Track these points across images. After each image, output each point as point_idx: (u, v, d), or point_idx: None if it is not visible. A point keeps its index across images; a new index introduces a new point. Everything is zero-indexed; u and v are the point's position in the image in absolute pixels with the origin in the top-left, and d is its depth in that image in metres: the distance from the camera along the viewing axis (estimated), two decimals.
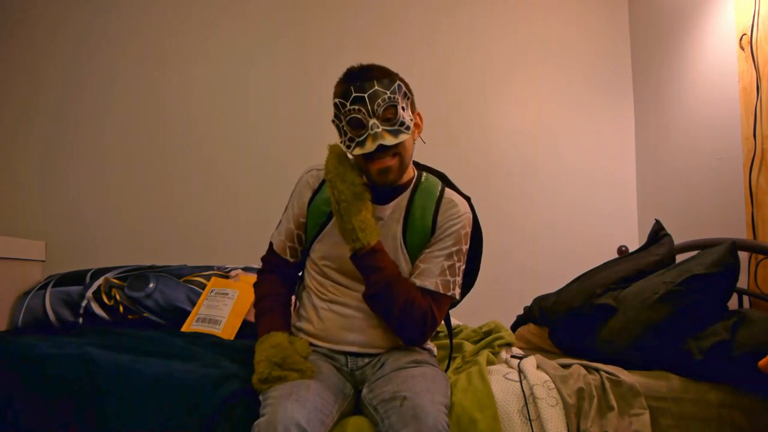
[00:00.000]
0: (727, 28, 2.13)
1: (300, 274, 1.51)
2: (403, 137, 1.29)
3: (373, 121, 1.26)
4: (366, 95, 1.27)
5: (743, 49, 2.02)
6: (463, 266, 1.40)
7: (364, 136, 1.27)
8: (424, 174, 1.47)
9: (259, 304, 1.43)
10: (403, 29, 2.83)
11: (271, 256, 1.48)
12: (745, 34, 2.01)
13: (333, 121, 1.34)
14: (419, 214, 1.38)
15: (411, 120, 1.33)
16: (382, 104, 1.27)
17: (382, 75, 1.30)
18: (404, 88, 1.32)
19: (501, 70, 2.86)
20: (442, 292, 1.35)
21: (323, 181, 1.42)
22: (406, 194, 1.40)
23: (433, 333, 1.42)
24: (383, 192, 1.38)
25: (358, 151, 1.28)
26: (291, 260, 1.46)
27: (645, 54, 2.77)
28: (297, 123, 2.70)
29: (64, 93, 2.64)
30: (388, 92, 1.28)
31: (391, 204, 1.39)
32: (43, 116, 2.62)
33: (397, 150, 1.30)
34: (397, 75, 1.35)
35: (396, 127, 1.29)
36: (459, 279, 1.39)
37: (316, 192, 1.43)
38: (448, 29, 2.85)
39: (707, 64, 2.27)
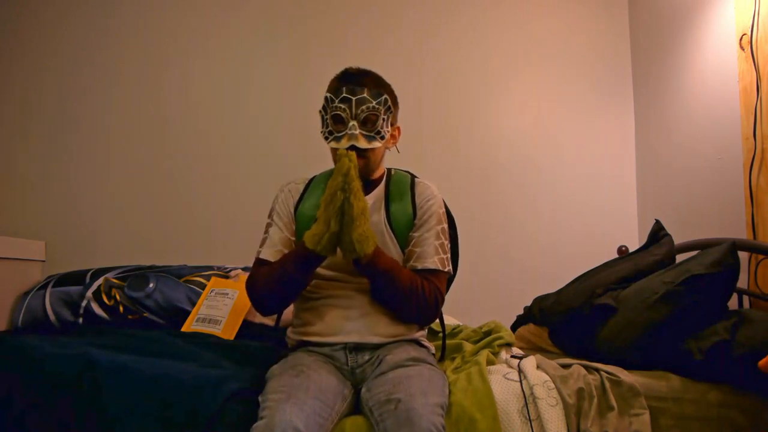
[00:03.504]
0: (727, 28, 2.13)
1: None
2: (375, 144, 1.40)
3: (352, 123, 1.38)
4: (354, 98, 1.38)
5: (743, 49, 2.02)
6: (448, 244, 1.50)
7: (342, 133, 1.39)
8: (393, 169, 1.59)
9: (271, 272, 1.39)
10: (404, 29, 2.83)
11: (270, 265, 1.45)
12: (745, 34, 2.01)
13: (320, 111, 1.44)
14: (398, 199, 1.49)
15: (388, 131, 1.43)
16: (365, 110, 1.39)
17: (374, 85, 1.42)
18: (389, 102, 1.43)
19: (501, 70, 2.86)
20: (440, 268, 1.43)
21: (303, 192, 1.52)
22: (381, 186, 1.52)
23: (441, 308, 1.48)
24: (362, 184, 1.44)
25: (333, 144, 1.40)
26: None
27: (645, 54, 2.77)
28: (298, 123, 2.70)
29: (65, 93, 2.64)
30: (374, 102, 1.39)
31: (370, 195, 1.48)
32: (44, 116, 2.62)
33: (366, 154, 1.41)
34: (388, 88, 1.46)
35: (372, 134, 1.40)
36: (449, 255, 1.49)
37: (298, 202, 1.51)
38: (448, 29, 2.85)
39: (707, 64, 2.27)
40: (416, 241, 1.45)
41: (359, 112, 1.38)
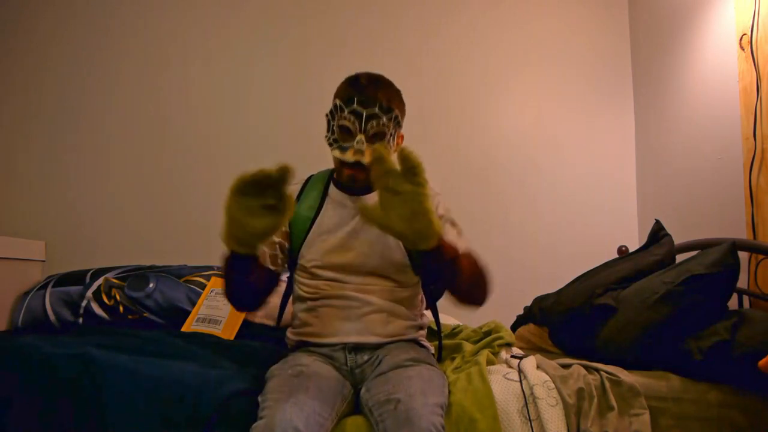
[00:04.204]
0: (727, 28, 2.13)
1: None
2: None
3: (360, 137, 1.35)
4: (364, 113, 1.34)
5: (743, 49, 2.02)
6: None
7: (348, 145, 1.36)
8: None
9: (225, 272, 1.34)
10: (404, 29, 2.83)
11: None
12: (745, 34, 2.01)
13: (326, 115, 1.40)
14: None
15: (393, 145, 1.41)
16: (374, 126, 1.35)
17: (386, 100, 1.37)
18: (399, 117, 1.40)
19: (501, 70, 2.86)
20: (470, 251, 1.37)
21: (300, 193, 1.50)
22: None
23: None
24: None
25: (337, 154, 1.38)
26: (272, 268, 1.45)
27: (645, 54, 2.77)
28: (298, 123, 2.70)
29: (65, 93, 2.64)
30: (384, 119, 1.35)
31: (372, 194, 1.46)
32: (44, 116, 2.62)
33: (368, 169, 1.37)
34: (398, 99, 1.42)
35: None
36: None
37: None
38: (448, 29, 2.85)
39: (707, 64, 2.27)
40: None
41: (369, 128, 1.35)
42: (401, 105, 1.44)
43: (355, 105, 1.34)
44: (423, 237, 1.12)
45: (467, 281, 1.30)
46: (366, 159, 1.34)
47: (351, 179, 1.41)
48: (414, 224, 1.10)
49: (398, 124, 1.41)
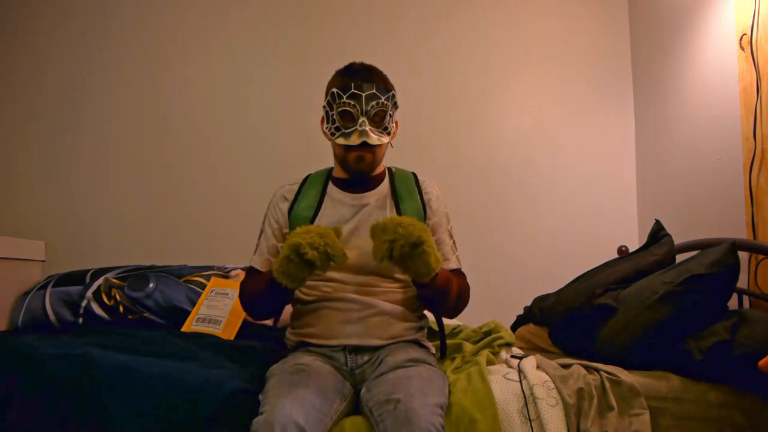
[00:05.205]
0: (727, 28, 2.13)
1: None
2: (384, 140, 1.41)
3: (363, 119, 1.37)
4: (363, 94, 1.37)
5: (743, 49, 2.02)
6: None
7: (351, 129, 1.38)
8: (393, 167, 1.60)
9: (256, 285, 1.40)
10: (403, 29, 2.83)
11: (254, 277, 1.47)
12: (745, 34, 2.01)
13: (324, 107, 1.43)
14: (407, 198, 1.49)
15: (392, 126, 1.45)
16: (375, 106, 1.38)
17: (381, 81, 1.42)
18: (395, 98, 1.44)
19: (501, 70, 2.86)
20: (460, 267, 1.50)
21: (298, 193, 1.51)
22: (385, 182, 1.53)
23: None
24: (363, 180, 1.49)
25: (342, 141, 1.39)
26: None
27: (645, 54, 2.77)
28: (297, 123, 2.70)
29: (65, 93, 2.64)
30: (382, 98, 1.39)
31: (373, 192, 1.49)
32: (44, 116, 2.62)
33: (374, 149, 1.42)
34: (390, 83, 1.46)
35: (381, 130, 1.41)
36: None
37: (293, 203, 1.49)
38: (448, 29, 2.85)
39: (707, 64, 2.27)
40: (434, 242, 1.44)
41: (369, 108, 1.37)
42: (394, 88, 1.46)
43: (353, 89, 1.37)
44: (421, 274, 1.22)
45: (452, 303, 1.41)
46: (371, 140, 1.37)
47: (358, 161, 1.42)
48: (414, 263, 1.21)
49: (396, 105, 1.43)
